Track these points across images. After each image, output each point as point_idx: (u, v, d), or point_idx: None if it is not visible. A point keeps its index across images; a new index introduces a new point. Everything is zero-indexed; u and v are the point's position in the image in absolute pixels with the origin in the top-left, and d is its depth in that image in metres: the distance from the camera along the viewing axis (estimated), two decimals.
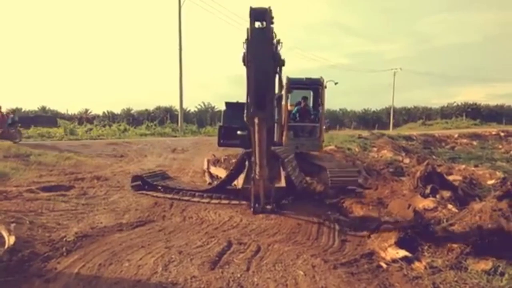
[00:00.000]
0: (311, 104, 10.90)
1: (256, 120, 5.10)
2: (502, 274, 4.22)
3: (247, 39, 4.65)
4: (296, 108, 10.55)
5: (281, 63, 7.86)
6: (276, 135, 9.53)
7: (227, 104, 9.06)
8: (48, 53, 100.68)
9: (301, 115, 10.47)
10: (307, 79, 10.04)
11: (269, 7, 4.63)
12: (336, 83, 10.41)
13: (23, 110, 55.37)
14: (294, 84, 10.08)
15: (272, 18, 5.21)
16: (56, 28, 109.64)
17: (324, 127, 10.82)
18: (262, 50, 4.64)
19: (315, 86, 10.22)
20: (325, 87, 9.98)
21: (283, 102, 9.22)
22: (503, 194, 6.24)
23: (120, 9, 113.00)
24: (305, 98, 10.56)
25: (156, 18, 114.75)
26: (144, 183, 8.42)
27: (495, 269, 4.32)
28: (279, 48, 7.47)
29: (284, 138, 9.79)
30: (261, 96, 4.78)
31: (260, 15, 4.48)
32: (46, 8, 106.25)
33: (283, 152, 7.92)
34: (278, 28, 4.81)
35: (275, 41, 5.42)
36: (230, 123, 8.45)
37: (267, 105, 4.84)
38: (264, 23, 4.64)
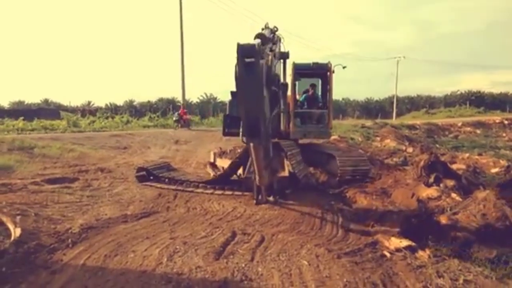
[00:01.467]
0: (319, 93, 10.50)
1: (251, 144, 5.13)
2: (506, 263, 4.23)
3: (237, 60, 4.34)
4: (304, 96, 10.25)
5: (285, 56, 7.80)
6: (282, 124, 9.40)
7: (232, 93, 9.01)
8: (51, 46, 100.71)
9: (308, 102, 10.15)
10: (314, 64, 9.63)
11: (258, 44, 4.32)
12: (344, 67, 9.89)
13: (26, 102, 55.62)
14: (301, 70, 9.64)
15: (271, 36, 4.98)
16: (58, 21, 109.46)
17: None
18: (251, 87, 4.44)
19: (323, 71, 9.77)
20: (333, 71, 9.58)
21: (289, 92, 8.98)
22: (507, 182, 6.23)
23: (122, 1, 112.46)
24: (313, 85, 10.20)
25: (159, 10, 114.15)
26: (149, 174, 8.47)
27: (499, 258, 4.33)
28: (281, 42, 7.42)
29: (291, 126, 9.55)
30: (253, 127, 4.74)
31: (249, 52, 4.22)
32: (48, 1, 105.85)
33: (287, 146, 7.89)
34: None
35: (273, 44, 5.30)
36: (236, 112, 8.40)
37: (260, 133, 4.81)
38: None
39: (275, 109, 6.07)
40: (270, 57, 5.29)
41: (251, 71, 4.25)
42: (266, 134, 5.11)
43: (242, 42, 4.21)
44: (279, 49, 7.40)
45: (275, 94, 5.38)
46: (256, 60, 4.24)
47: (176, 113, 26.70)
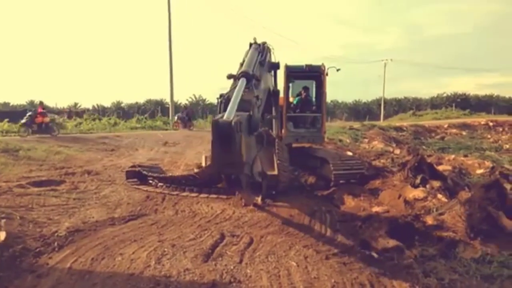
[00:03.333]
0: (313, 96, 10.36)
1: None
2: (490, 262, 4.31)
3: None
4: (296, 99, 10.06)
5: (276, 66, 7.86)
6: (275, 129, 9.32)
7: (221, 95, 8.95)
8: (37, 47, 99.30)
9: (301, 106, 9.96)
10: (307, 66, 9.34)
11: (235, 121, 4.08)
12: (338, 70, 9.64)
13: (11, 104, 54.76)
14: (293, 72, 9.45)
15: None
16: (45, 21, 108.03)
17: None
18: (229, 160, 4.29)
19: (316, 74, 9.51)
20: (327, 74, 9.35)
21: (281, 95, 8.92)
22: (491, 183, 6.35)
23: (109, 1, 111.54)
24: (306, 88, 10.00)
25: (147, 10, 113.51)
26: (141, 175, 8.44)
27: (484, 258, 4.41)
28: (271, 52, 7.52)
29: (283, 130, 9.33)
30: (233, 182, 4.65)
31: (225, 130, 4.04)
32: (33, 2, 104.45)
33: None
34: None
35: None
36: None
37: (242, 184, 4.80)
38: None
39: (268, 116, 5.98)
40: (253, 100, 5.19)
41: (227, 146, 4.14)
42: (250, 178, 5.01)
43: (219, 118, 4.13)
44: (270, 59, 7.45)
45: (260, 136, 5.18)
46: (233, 135, 4.08)
47: (27, 114, 16.95)
